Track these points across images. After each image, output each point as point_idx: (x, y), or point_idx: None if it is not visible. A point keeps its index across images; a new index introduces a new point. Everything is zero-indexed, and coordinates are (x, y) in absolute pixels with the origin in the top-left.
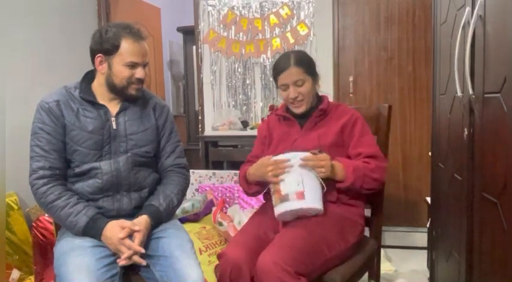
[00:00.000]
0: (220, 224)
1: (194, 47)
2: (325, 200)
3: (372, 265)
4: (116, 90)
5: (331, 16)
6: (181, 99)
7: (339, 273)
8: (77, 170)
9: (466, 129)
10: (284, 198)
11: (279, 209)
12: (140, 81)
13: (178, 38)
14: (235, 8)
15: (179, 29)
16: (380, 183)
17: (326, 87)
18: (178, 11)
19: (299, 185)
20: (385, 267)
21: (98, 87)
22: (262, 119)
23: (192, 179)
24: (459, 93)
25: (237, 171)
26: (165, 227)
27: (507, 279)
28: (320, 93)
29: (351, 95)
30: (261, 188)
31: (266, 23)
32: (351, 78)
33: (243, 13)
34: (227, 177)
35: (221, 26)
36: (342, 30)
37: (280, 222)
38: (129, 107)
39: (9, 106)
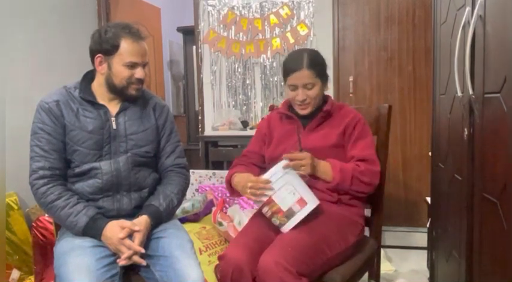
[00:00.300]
0: (220, 224)
1: (194, 47)
2: (326, 200)
3: (372, 265)
4: (115, 91)
5: (331, 16)
6: (181, 99)
7: (339, 273)
8: (77, 170)
9: (466, 129)
10: (289, 214)
11: (289, 225)
12: (140, 81)
13: (178, 38)
14: (235, 8)
15: (179, 29)
16: (371, 186)
17: None
18: (178, 11)
19: (295, 194)
20: (385, 267)
21: (98, 88)
22: (262, 119)
23: (192, 179)
24: (459, 93)
25: None
26: (165, 227)
27: (507, 279)
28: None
29: (350, 95)
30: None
31: (266, 23)
32: (351, 78)
33: (243, 13)
34: None
35: (221, 26)
36: (342, 30)
37: None
38: (129, 107)
39: (9, 106)
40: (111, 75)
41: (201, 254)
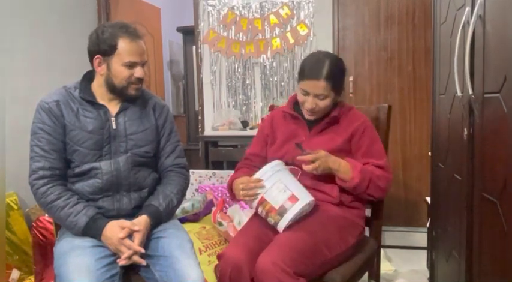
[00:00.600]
0: (220, 224)
1: (194, 47)
2: (327, 202)
3: (372, 265)
4: (115, 91)
5: (331, 16)
6: (181, 99)
7: (339, 273)
8: (77, 170)
9: (466, 129)
10: (282, 211)
11: (283, 223)
12: (140, 80)
13: (178, 38)
14: (235, 8)
15: (179, 29)
16: (384, 192)
17: None
18: (178, 11)
19: (286, 191)
20: (385, 267)
21: (98, 88)
22: (262, 119)
23: (192, 179)
24: (459, 93)
25: None
26: (165, 227)
27: (507, 279)
28: None
29: (350, 95)
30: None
31: (266, 23)
32: (351, 79)
33: (243, 13)
34: (227, 177)
35: (221, 26)
36: (342, 31)
37: None
38: (129, 107)
39: (9, 106)
40: (111, 75)
41: (201, 254)
